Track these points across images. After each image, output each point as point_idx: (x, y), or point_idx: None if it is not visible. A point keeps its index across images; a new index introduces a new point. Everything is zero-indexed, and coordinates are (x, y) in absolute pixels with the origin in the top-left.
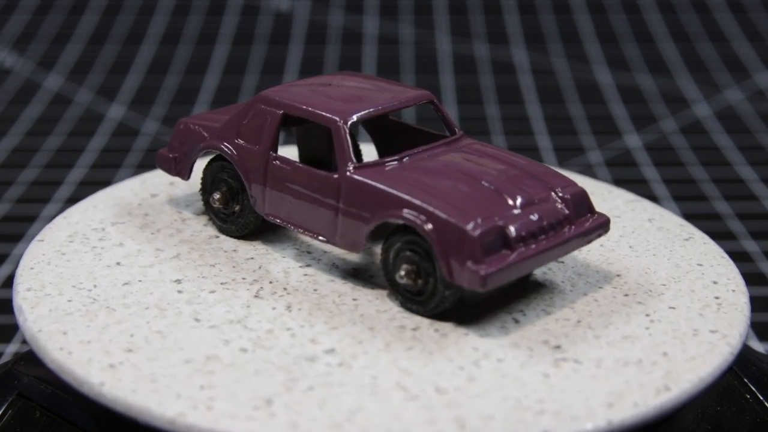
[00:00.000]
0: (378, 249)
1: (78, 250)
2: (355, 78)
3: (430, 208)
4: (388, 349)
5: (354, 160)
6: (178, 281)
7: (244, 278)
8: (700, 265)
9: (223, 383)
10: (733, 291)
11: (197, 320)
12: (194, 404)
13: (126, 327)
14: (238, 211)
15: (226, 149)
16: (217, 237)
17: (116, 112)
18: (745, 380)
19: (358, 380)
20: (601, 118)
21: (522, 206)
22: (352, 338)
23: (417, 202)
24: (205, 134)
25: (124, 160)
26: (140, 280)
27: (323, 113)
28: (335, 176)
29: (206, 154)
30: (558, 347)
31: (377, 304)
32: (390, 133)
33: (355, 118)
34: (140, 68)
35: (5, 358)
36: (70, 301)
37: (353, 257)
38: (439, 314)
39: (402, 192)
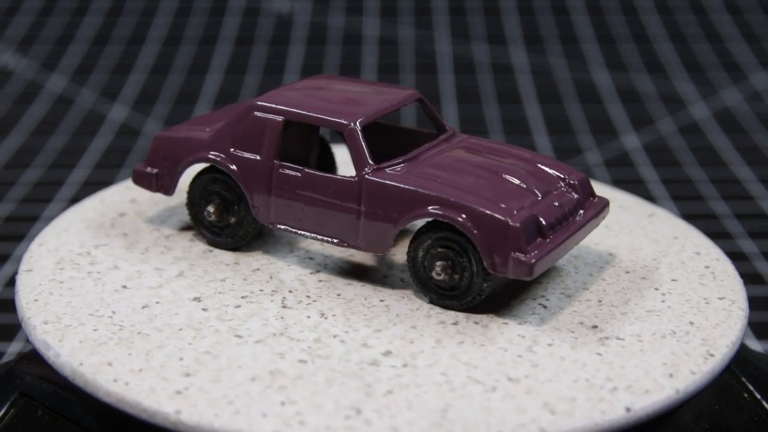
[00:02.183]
0: None
1: (74, 277)
2: (339, 81)
3: (466, 203)
4: (441, 345)
5: (371, 162)
6: (198, 299)
7: (261, 290)
8: (676, 238)
9: (302, 397)
10: (718, 260)
11: (239, 336)
12: (285, 421)
13: (170, 351)
14: (233, 223)
15: (222, 160)
16: (211, 251)
17: (118, 112)
18: (743, 379)
19: (430, 379)
20: (599, 118)
21: (543, 195)
22: (401, 339)
23: (450, 198)
24: (193, 147)
25: (126, 160)
26: (158, 302)
27: (332, 118)
28: (353, 179)
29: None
30: (595, 327)
31: (406, 302)
32: (368, 134)
33: (365, 120)
34: (142, 69)
35: (7, 358)
36: (96, 330)
37: (358, 259)
38: (471, 307)
39: (431, 190)
